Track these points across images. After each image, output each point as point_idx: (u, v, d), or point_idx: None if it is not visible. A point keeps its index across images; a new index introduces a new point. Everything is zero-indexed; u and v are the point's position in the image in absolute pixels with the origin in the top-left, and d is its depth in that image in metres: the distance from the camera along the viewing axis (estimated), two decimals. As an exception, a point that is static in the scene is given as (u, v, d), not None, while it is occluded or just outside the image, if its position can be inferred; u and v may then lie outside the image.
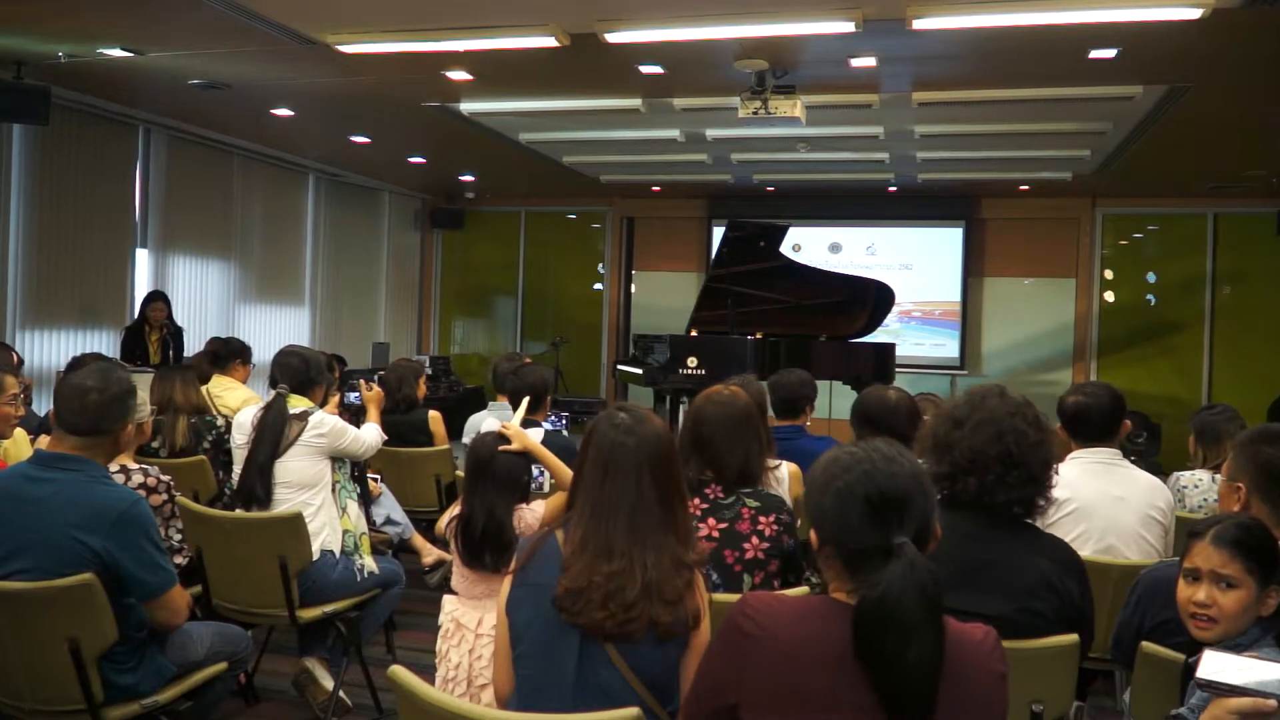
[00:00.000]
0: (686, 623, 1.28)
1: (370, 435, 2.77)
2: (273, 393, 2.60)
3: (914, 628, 0.96)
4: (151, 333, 5.33)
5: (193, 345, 5.57)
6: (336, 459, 2.60)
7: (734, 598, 1.62)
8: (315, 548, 2.45)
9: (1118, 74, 4.28)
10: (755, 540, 1.77)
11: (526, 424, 2.62)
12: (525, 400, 2.72)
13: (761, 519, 1.79)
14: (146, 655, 1.83)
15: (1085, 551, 2.02)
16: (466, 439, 3.30)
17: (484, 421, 2.53)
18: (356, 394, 3.05)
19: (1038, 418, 1.51)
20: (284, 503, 2.47)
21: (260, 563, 2.36)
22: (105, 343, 5.54)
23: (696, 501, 1.81)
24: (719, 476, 1.83)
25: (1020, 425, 1.47)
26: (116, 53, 4.28)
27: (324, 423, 2.55)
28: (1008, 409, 1.49)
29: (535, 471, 2.27)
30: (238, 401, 3.63)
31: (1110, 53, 3.93)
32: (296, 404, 2.57)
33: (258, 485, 2.45)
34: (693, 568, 1.32)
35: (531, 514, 1.95)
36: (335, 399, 2.92)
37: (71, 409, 1.77)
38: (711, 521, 1.79)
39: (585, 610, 1.27)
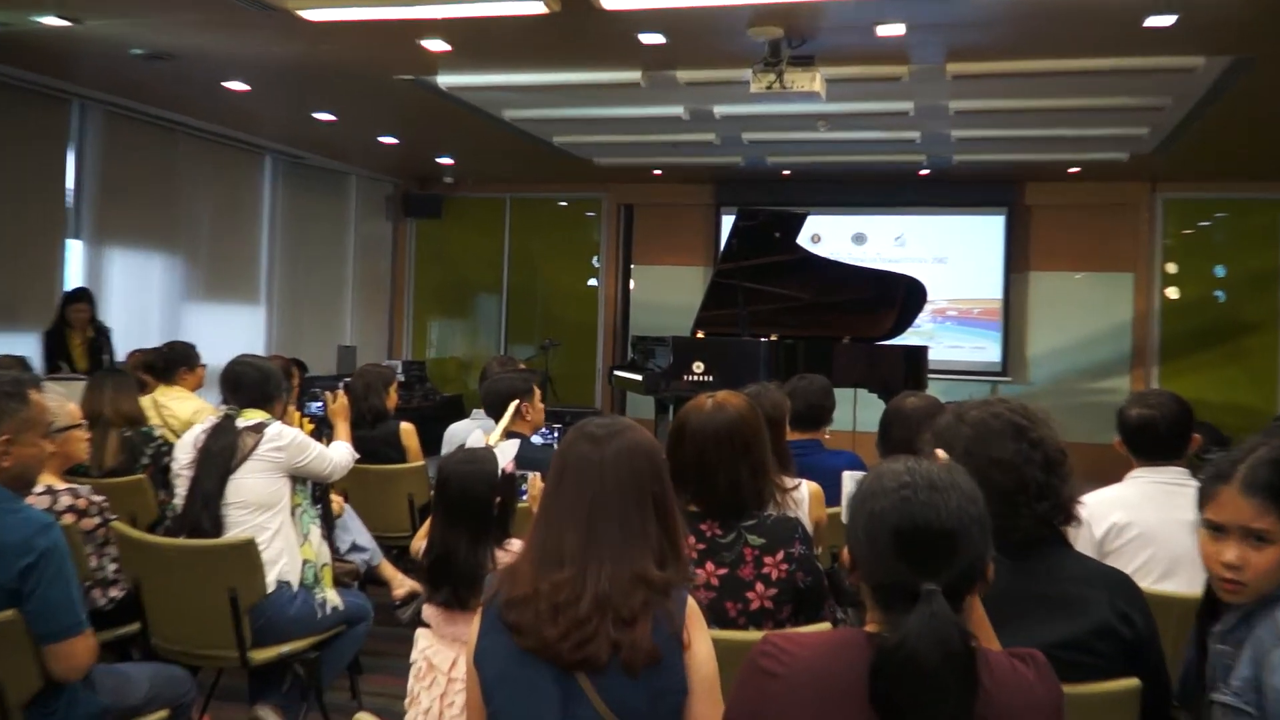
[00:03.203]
0: (652, 651, 1.25)
1: (339, 454, 2.75)
2: (221, 410, 2.59)
3: (934, 685, 0.96)
4: (74, 335, 5.24)
5: (130, 347, 5.54)
6: (297, 478, 2.59)
7: (746, 636, 1.62)
8: (270, 578, 2.43)
9: (1176, 43, 4.28)
10: (760, 587, 1.70)
11: (510, 435, 2.62)
12: (511, 408, 2.71)
13: (767, 559, 1.72)
14: (74, 698, 1.80)
15: (1147, 583, 2.00)
16: (447, 452, 3.29)
17: (470, 434, 2.53)
18: (320, 404, 3.05)
19: (1020, 410, 1.48)
20: (236, 526, 2.46)
21: (207, 596, 2.34)
22: (29, 346, 5.52)
23: (692, 541, 1.75)
24: (705, 508, 1.76)
25: (1007, 446, 1.42)
26: (52, 21, 4.28)
27: (282, 435, 2.55)
28: (981, 433, 1.44)
29: (522, 489, 2.26)
30: (188, 412, 3.62)
31: (1167, 20, 3.93)
32: (250, 416, 2.57)
33: (203, 518, 2.44)
34: (665, 588, 1.29)
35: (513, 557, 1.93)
36: (294, 412, 2.91)
37: None
38: (710, 566, 1.73)
39: (535, 626, 1.26)
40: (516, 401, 2.76)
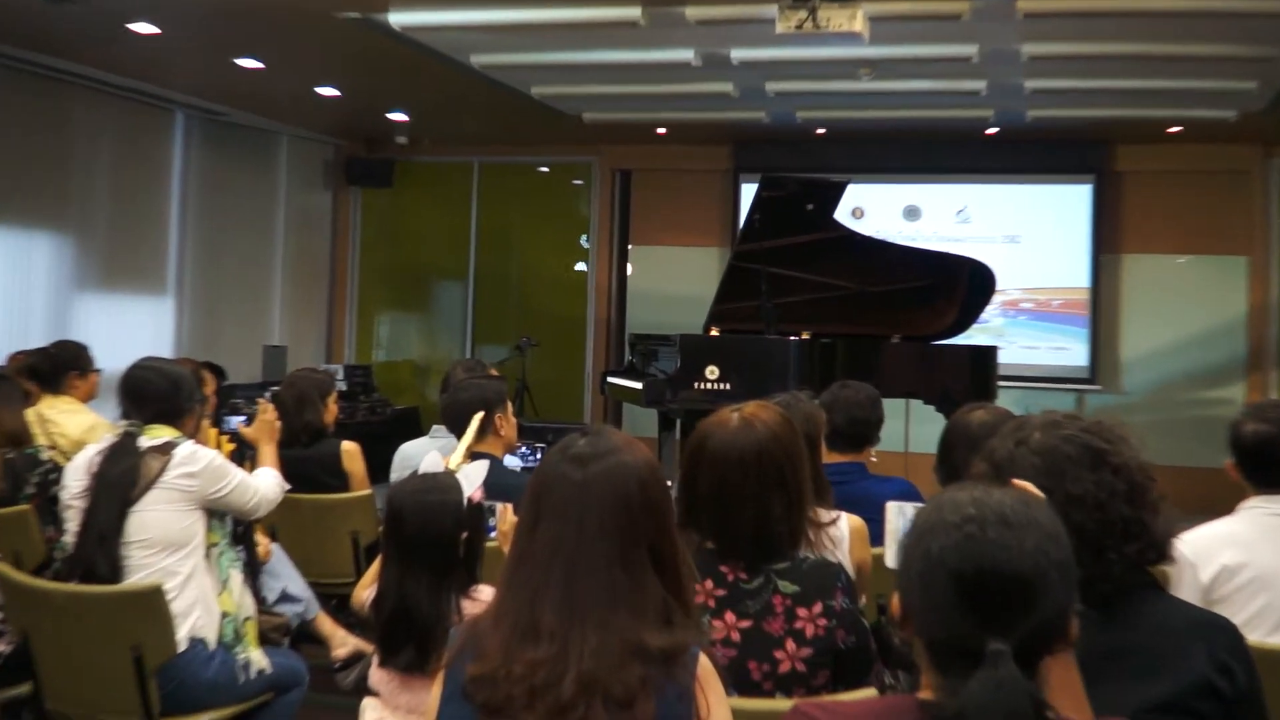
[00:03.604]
0: None
1: (266, 484, 2.76)
2: (120, 427, 2.60)
3: None
4: None
5: (9, 347, 5.55)
6: (214, 513, 2.59)
7: (774, 704, 1.62)
8: (182, 634, 2.44)
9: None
10: (792, 645, 1.70)
11: (476, 456, 2.63)
12: (475, 422, 2.71)
13: (801, 612, 1.72)
14: None
15: (1259, 635, 2.02)
16: (397, 478, 3.30)
17: (428, 457, 2.53)
18: (243, 418, 3.06)
19: (1094, 429, 1.48)
20: (138, 570, 2.47)
21: (106, 653, 2.36)
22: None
23: (709, 585, 1.75)
24: (726, 548, 1.76)
25: (1085, 476, 1.42)
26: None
27: (195, 458, 2.55)
28: (1052, 462, 1.43)
29: (490, 524, 2.27)
30: (80, 429, 3.63)
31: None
32: (155, 434, 2.57)
33: (99, 559, 2.45)
34: (669, 656, 1.28)
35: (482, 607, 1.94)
36: (209, 429, 2.91)
37: None
38: (730, 618, 1.73)
39: (508, 709, 1.27)
40: (481, 414, 2.77)
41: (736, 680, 1.69)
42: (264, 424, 3.03)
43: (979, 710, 0.98)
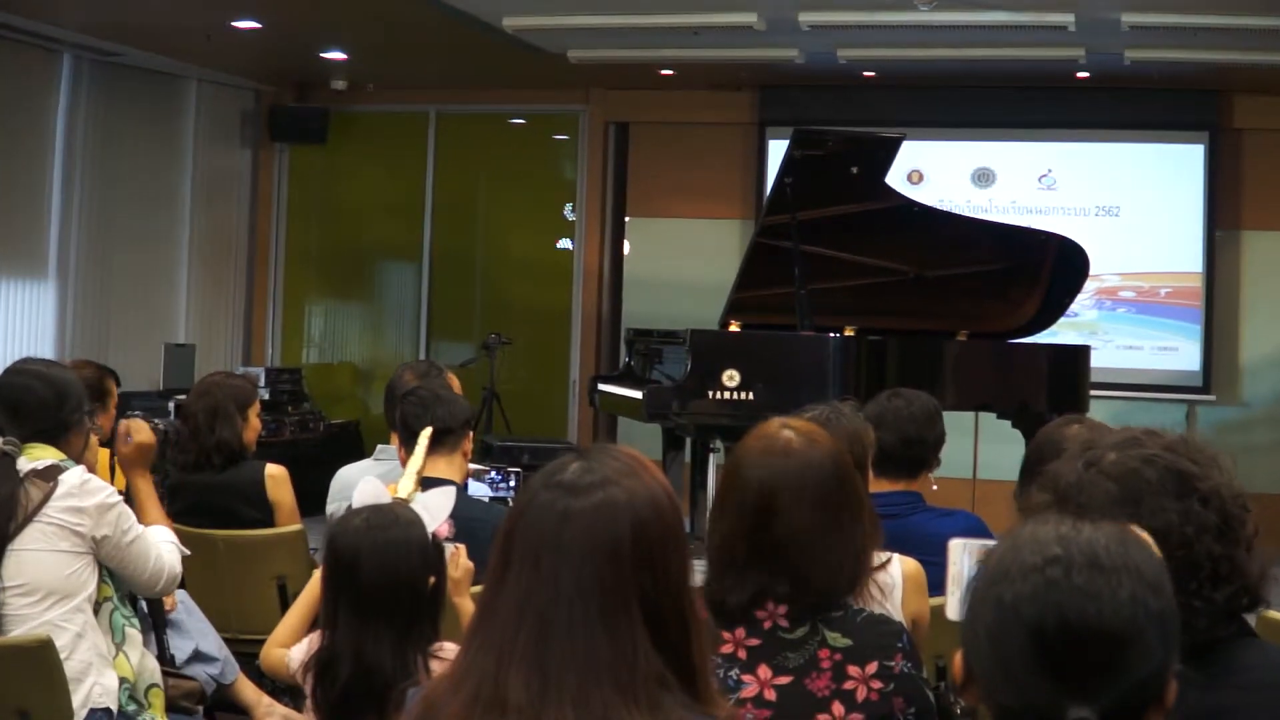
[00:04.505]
0: None
1: (168, 549, 2.77)
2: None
3: None
4: None
5: None
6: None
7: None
8: (78, 702, 2.47)
9: None
10: (840, 709, 1.75)
11: (429, 483, 2.66)
12: (425, 436, 2.74)
13: (853, 670, 1.77)
14: None
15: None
16: (334, 511, 3.33)
17: (362, 485, 2.56)
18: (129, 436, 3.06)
19: (1180, 449, 1.50)
20: (18, 623, 2.49)
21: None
22: None
23: (740, 634, 1.80)
24: (805, 597, 1.81)
25: (1168, 506, 1.45)
26: None
27: (88, 490, 2.57)
28: (1130, 489, 1.47)
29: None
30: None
31: None
32: (37, 455, 2.60)
33: None
34: None
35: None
36: (98, 448, 2.90)
37: None
38: (764, 672, 1.77)
39: None
40: (428, 430, 2.80)
41: None
42: (136, 449, 3.01)
43: None
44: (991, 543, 1.78)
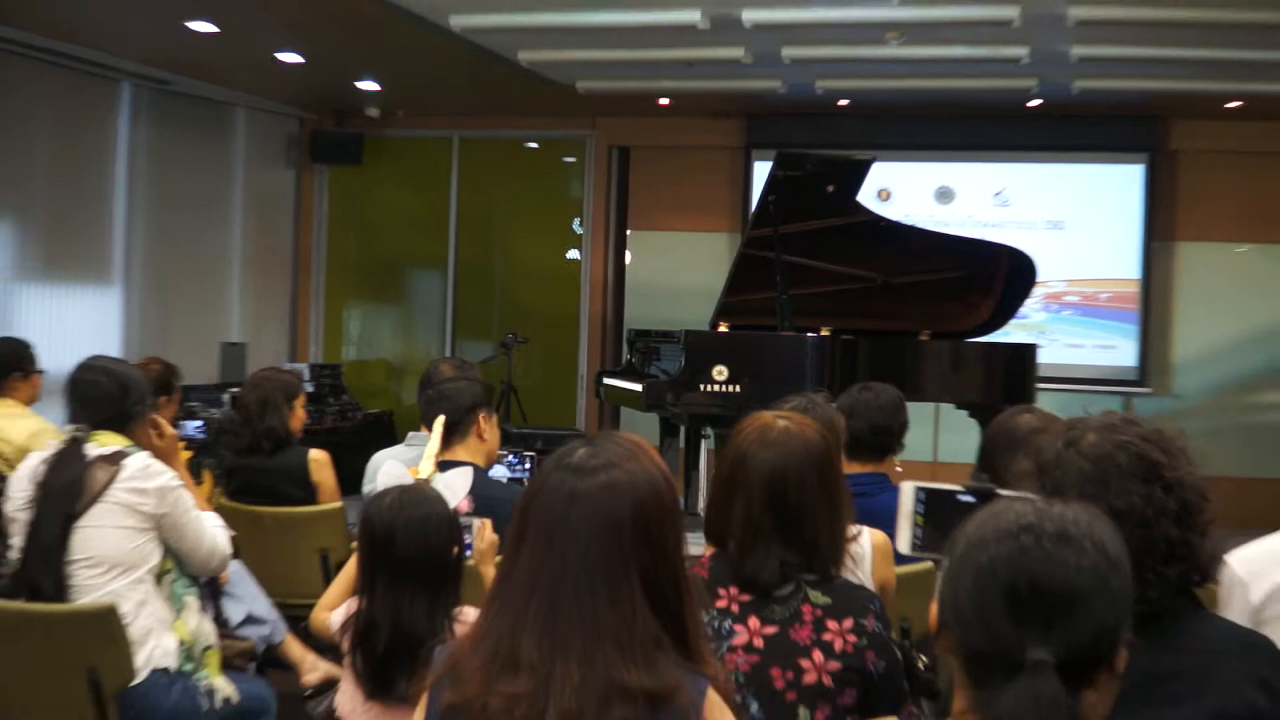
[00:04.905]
0: None
1: (220, 535, 2.77)
2: (68, 431, 2.64)
3: None
4: None
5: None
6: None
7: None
8: (139, 662, 2.50)
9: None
10: (819, 656, 1.79)
11: (447, 465, 2.67)
12: (438, 424, 2.75)
13: (831, 624, 1.81)
14: None
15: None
16: (369, 491, 3.35)
17: (384, 468, 2.58)
18: (198, 425, 3.09)
19: (1154, 438, 1.50)
20: (86, 592, 2.51)
21: (61, 676, 2.40)
22: None
23: (734, 590, 1.85)
24: (809, 564, 1.87)
25: (1134, 490, 1.46)
26: None
27: (150, 474, 2.59)
28: (1103, 470, 1.47)
29: (467, 540, 2.33)
30: (23, 435, 3.66)
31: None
32: (104, 441, 2.61)
33: (43, 577, 2.49)
34: (662, 698, 1.30)
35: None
36: (170, 438, 2.91)
37: None
38: (754, 622, 1.82)
39: None
40: (443, 418, 2.81)
41: (758, 687, 1.78)
42: (171, 443, 2.91)
43: (1014, 718, 1.02)
44: (940, 485, 1.85)
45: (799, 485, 1.87)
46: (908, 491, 1.92)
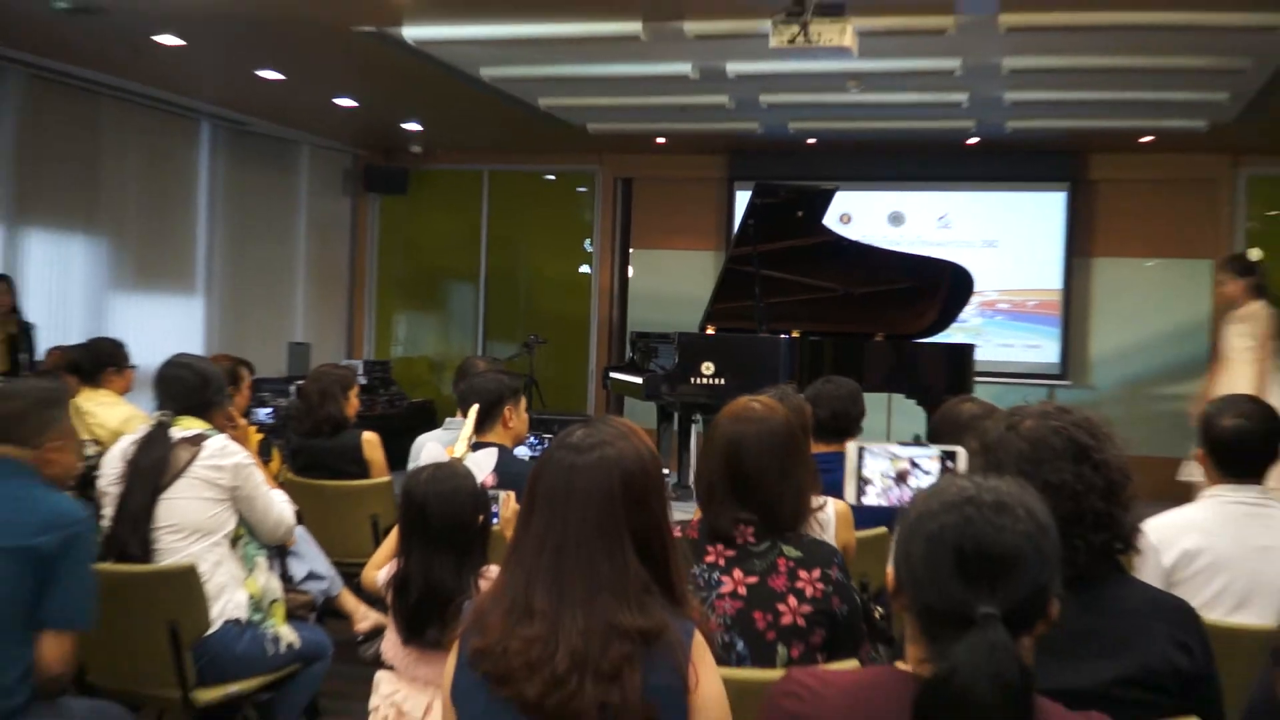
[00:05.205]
0: (646, 710, 1.29)
1: (288, 510, 2.77)
2: (155, 417, 2.63)
3: None
4: None
5: (49, 344, 5.58)
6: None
7: (769, 674, 1.66)
8: (214, 614, 2.49)
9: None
10: (793, 601, 1.80)
11: (478, 446, 2.66)
12: (473, 412, 2.74)
13: (802, 574, 1.82)
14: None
15: (1217, 614, 2.06)
16: (414, 467, 3.33)
17: (427, 447, 2.57)
18: (268, 411, 3.07)
19: (1084, 424, 1.49)
20: (168, 554, 2.51)
21: (144, 628, 2.40)
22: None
23: (720, 548, 1.85)
24: (768, 523, 1.86)
25: (1066, 468, 1.44)
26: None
27: (226, 453, 2.59)
28: (1038, 451, 1.46)
29: (495, 510, 2.31)
30: (117, 420, 3.66)
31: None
32: (187, 425, 2.61)
33: (132, 541, 2.49)
34: (653, 635, 1.31)
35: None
36: (244, 424, 2.89)
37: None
38: (738, 574, 1.83)
39: (510, 680, 1.31)
40: (476, 406, 2.81)
41: (742, 629, 1.79)
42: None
43: (971, 669, 1.00)
44: (884, 445, 1.94)
45: (755, 454, 1.87)
46: (852, 451, 1.95)
